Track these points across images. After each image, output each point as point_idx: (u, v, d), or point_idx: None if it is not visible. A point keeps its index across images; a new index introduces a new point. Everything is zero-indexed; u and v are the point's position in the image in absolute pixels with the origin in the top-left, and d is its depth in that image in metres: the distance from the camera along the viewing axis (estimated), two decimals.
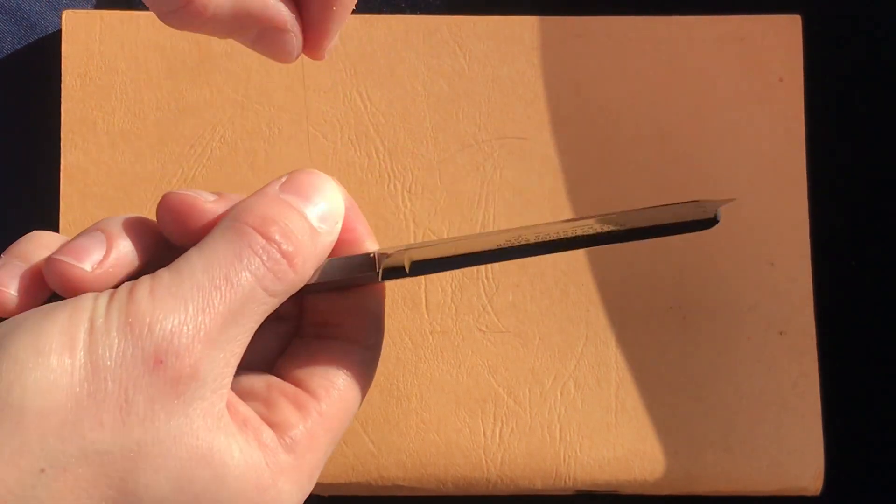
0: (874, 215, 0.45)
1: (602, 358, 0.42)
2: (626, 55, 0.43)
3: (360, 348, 0.31)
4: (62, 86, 0.42)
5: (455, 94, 0.43)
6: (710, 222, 0.29)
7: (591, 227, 0.29)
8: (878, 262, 0.45)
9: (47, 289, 0.29)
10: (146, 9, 0.45)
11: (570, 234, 0.29)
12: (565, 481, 0.41)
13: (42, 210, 0.43)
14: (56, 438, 0.25)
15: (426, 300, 0.42)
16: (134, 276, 0.29)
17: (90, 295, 0.27)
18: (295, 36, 0.29)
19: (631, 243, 0.42)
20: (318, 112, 0.42)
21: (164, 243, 0.30)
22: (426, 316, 0.42)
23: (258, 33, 0.29)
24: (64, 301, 0.27)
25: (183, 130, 0.42)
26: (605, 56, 0.43)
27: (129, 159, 0.42)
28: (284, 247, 0.28)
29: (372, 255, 0.31)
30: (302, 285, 0.29)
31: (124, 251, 0.29)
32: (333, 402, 0.30)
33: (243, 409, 0.28)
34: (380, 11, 0.45)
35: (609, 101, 0.43)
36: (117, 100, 0.42)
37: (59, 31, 0.43)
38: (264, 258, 0.27)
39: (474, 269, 0.42)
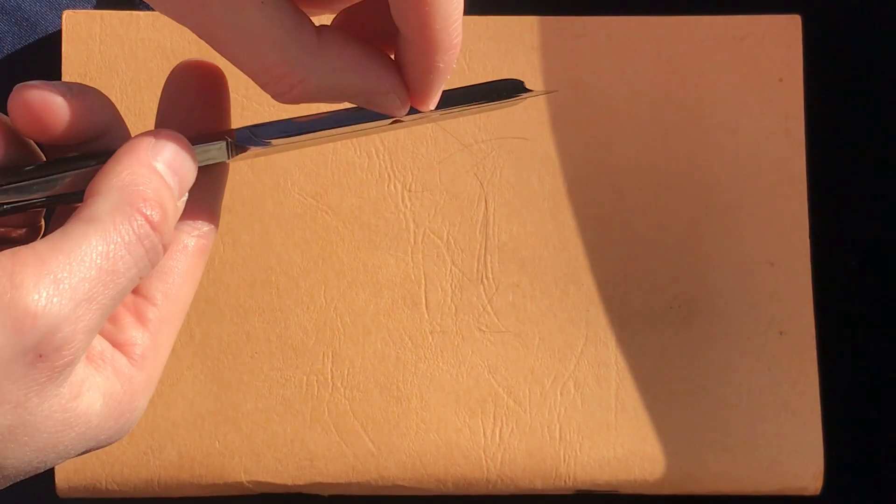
0: (874, 215, 0.45)
1: (602, 358, 0.42)
2: (626, 55, 0.43)
3: (194, 237, 0.31)
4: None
5: None
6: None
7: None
8: (878, 262, 0.45)
9: None
10: (146, 9, 0.45)
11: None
12: (565, 481, 0.41)
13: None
14: None
15: (426, 300, 0.42)
16: None
17: None
18: (398, 95, 0.30)
19: (631, 243, 0.42)
20: (317, 112, 0.42)
21: (6, 131, 0.30)
22: (426, 316, 0.42)
23: (364, 100, 0.30)
24: None
25: None
26: (605, 56, 0.43)
27: None
28: (166, 238, 0.28)
29: (225, 140, 0.30)
30: None
31: None
32: (171, 303, 0.30)
33: (98, 343, 0.28)
34: None
35: (609, 101, 0.43)
36: (117, 100, 0.42)
37: (59, 31, 0.43)
38: (148, 247, 0.27)
39: (474, 269, 0.42)
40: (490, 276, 0.42)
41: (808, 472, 0.41)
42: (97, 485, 0.41)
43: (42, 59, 0.45)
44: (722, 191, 0.42)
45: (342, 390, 0.41)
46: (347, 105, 0.31)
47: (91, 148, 0.30)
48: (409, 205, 0.42)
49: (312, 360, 0.41)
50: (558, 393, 0.41)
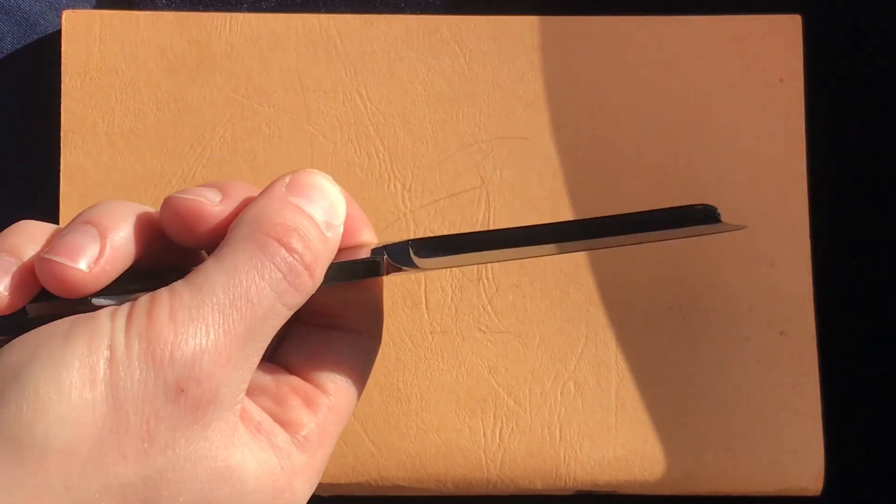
0: (874, 215, 0.45)
1: (602, 358, 0.42)
2: (626, 55, 0.43)
3: (364, 339, 0.31)
4: (62, 86, 0.42)
5: (455, 94, 0.43)
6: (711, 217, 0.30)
7: (609, 241, 0.30)
8: (878, 262, 0.45)
9: (38, 284, 0.28)
10: (146, 9, 0.45)
11: (575, 246, 0.30)
12: (565, 481, 0.41)
13: (42, 210, 0.43)
14: (80, 476, 0.24)
15: (426, 300, 0.42)
16: (131, 270, 0.29)
17: (106, 313, 0.26)
18: None
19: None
20: (318, 112, 0.42)
21: (161, 233, 0.30)
22: (426, 316, 0.42)
23: None
24: (79, 321, 0.26)
25: (183, 130, 0.42)
26: (606, 56, 0.43)
27: (129, 159, 0.42)
28: (306, 258, 0.27)
29: (377, 259, 0.30)
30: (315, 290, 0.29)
31: (119, 245, 0.28)
32: (341, 395, 0.30)
33: (256, 413, 0.28)
34: (380, 11, 0.45)
35: (609, 101, 0.43)
36: (117, 100, 0.42)
37: (59, 31, 0.43)
38: (285, 271, 0.27)
39: (474, 269, 0.42)
40: (490, 276, 0.42)
41: (808, 473, 0.41)
42: None
43: (42, 58, 0.45)
44: (722, 191, 0.42)
45: None
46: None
47: None
48: (409, 205, 0.42)
49: None
50: (558, 393, 0.41)
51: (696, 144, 0.43)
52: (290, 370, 0.30)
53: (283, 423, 0.28)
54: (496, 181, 0.42)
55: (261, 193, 0.29)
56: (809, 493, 0.41)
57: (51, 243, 0.28)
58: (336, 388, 0.30)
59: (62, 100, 0.42)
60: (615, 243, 0.31)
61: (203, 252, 0.31)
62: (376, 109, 0.42)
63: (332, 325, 0.31)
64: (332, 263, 0.30)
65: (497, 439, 0.41)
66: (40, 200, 0.43)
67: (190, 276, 0.26)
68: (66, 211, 0.41)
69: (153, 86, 0.42)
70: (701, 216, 0.30)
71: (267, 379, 0.30)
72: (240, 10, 0.44)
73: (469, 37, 0.43)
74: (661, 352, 0.42)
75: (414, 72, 0.43)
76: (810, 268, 0.42)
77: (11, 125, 0.45)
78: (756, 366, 0.42)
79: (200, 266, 0.27)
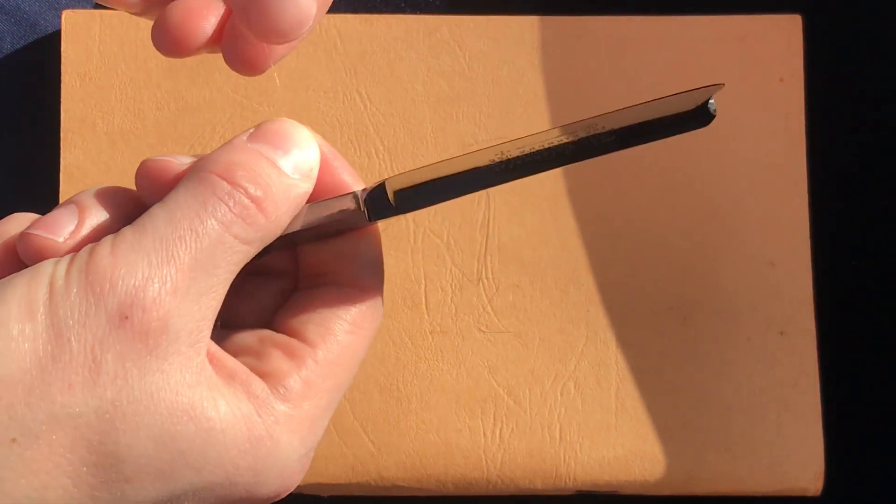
0: (874, 215, 0.45)
1: (602, 358, 0.42)
2: (626, 55, 0.43)
3: (358, 291, 0.30)
4: (62, 86, 0.42)
5: (455, 94, 0.43)
6: (703, 114, 0.28)
7: (578, 132, 0.28)
8: (878, 262, 0.45)
9: (22, 264, 0.28)
10: None
11: (560, 142, 0.28)
12: (565, 481, 0.41)
13: (42, 210, 0.43)
14: (24, 406, 0.24)
15: (426, 300, 0.42)
16: None
17: (51, 260, 0.26)
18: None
19: (631, 243, 0.42)
20: (318, 112, 0.42)
21: (143, 210, 0.30)
22: (426, 316, 0.42)
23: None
24: (25, 269, 0.26)
25: (183, 130, 0.42)
26: (605, 56, 0.43)
27: (129, 159, 0.42)
28: (252, 191, 0.27)
29: (353, 193, 0.29)
30: (279, 232, 0.28)
31: (98, 220, 0.28)
32: (331, 348, 0.29)
33: (230, 362, 0.27)
34: (380, 11, 0.45)
35: (609, 101, 0.43)
36: (117, 100, 0.42)
37: (59, 31, 0.43)
38: (230, 204, 0.26)
39: (474, 269, 0.42)
40: (490, 276, 0.42)
41: (809, 473, 0.41)
42: None
43: (42, 58, 0.45)
44: (722, 191, 0.42)
45: None
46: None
47: None
48: None
49: None
50: (558, 393, 0.41)
51: (696, 144, 0.43)
52: (280, 331, 0.30)
53: (262, 374, 0.28)
54: None
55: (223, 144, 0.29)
56: (809, 493, 0.41)
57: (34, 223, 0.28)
58: (324, 340, 0.29)
59: (62, 100, 0.42)
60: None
61: None
62: (376, 109, 0.42)
63: (329, 283, 0.30)
64: (304, 206, 0.29)
65: (497, 439, 0.41)
66: (40, 200, 0.43)
67: (136, 220, 0.26)
68: None
69: (153, 86, 0.42)
70: (693, 118, 0.29)
71: (251, 339, 0.29)
72: None
73: (469, 37, 0.43)
74: (661, 352, 0.42)
75: (414, 72, 0.43)
76: (810, 268, 0.42)
77: (11, 125, 0.45)
78: (756, 366, 0.42)
79: (147, 211, 0.27)
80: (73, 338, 0.24)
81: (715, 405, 0.41)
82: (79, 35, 0.42)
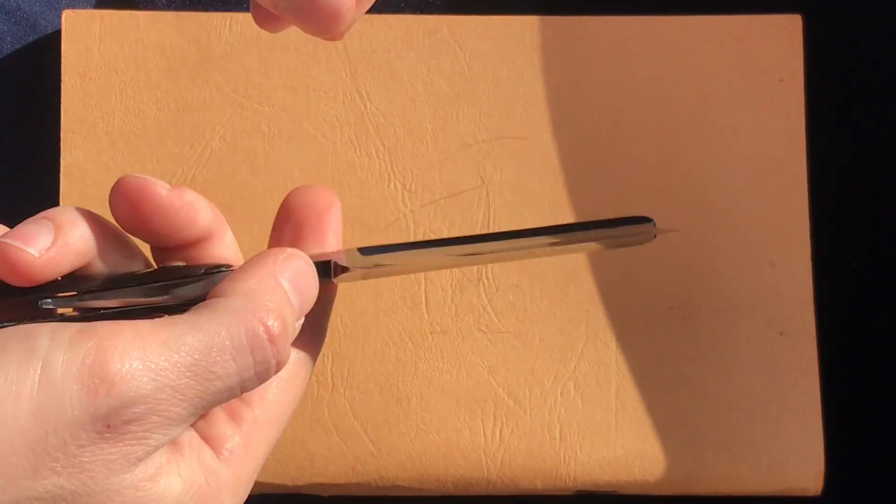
0: (874, 215, 0.45)
1: (602, 358, 0.42)
2: (626, 55, 0.43)
3: (296, 349, 0.31)
4: (62, 86, 0.42)
5: (455, 94, 0.43)
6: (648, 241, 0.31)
7: (543, 249, 0.31)
8: (878, 262, 0.45)
9: None
10: (146, 9, 0.45)
11: (521, 254, 0.31)
12: (565, 481, 0.41)
13: (42, 210, 0.43)
14: None
15: (426, 300, 0.42)
16: (80, 268, 0.29)
17: (46, 330, 0.25)
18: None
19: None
20: (318, 112, 0.42)
21: (114, 236, 0.30)
22: (426, 316, 0.42)
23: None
24: (18, 332, 0.25)
25: (183, 130, 0.42)
26: (605, 56, 0.43)
27: (129, 159, 0.42)
28: (282, 355, 0.27)
29: (330, 261, 0.31)
30: None
31: (73, 240, 0.28)
32: (267, 407, 0.30)
33: (185, 433, 0.28)
34: (380, 11, 0.45)
35: (609, 101, 0.43)
36: (117, 100, 0.42)
37: (59, 31, 0.43)
38: (259, 359, 0.27)
39: (474, 269, 0.42)
40: (490, 276, 0.42)
41: (809, 473, 0.41)
42: None
43: (42, 58, 0.45)
44: (722, 191, 0.42)
45: (342, 391, 0.41)
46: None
47: (196, 256, 0.30)
48: (409, 205, 0.42)
49: None
50: (558, 393, 0.41)
51: (696, 144, 0.43)
52: None
53: (208, 439, 0.28)
54: (496, 181, 0.42)
55: (253, 262, 0.29)
56: (809, 493, 0.41)
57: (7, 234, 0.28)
58: (261, 399, 0.29)
59: (62, 100, 0.42)
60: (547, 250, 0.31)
61: (152, 260, 0.31)
62: (376, 109, 0.42)
63: None
64: None
65: (497, 439, 0.41)
66: (40, 200, 0.43)
67: (161, 323, 0.26)
68: None
69: (153, 86, 0.42)
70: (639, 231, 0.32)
71: None
72: (240, 10, 0.44)
73: (469, 37, 0.43)
74: (661, 352, 0.42)
75: (414, 72, 0.43)
76: (810, 268, 0.42)
77: (11, 125, 0.45)
78: (756, 366, 0.42)
79: (177, 317, 0.26)
80: (51, 430, 0.24)
81: (715, 405, 0.41)
82: (79, 35, 0.42)
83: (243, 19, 0.43)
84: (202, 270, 0.29)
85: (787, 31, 0.43)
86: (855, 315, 0.45)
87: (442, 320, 0.42)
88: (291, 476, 0.41)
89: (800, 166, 0.43)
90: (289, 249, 0.30)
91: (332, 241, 0.32)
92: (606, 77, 0.43)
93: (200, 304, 0.27)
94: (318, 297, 0.31)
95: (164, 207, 0.29)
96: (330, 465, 0.41)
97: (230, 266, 0.30)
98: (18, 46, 0.45)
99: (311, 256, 0.30)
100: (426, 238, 0.42)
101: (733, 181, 0.42)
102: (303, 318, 0.30)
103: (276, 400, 0.30)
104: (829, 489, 0.41)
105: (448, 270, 0.42)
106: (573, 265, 0.42)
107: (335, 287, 0.32)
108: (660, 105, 0.43)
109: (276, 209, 0.42)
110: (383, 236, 0.42)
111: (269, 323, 0.27)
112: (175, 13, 0.43)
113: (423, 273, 0.42)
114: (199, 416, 0.27)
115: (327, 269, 0.31)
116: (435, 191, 0.42)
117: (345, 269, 0.31)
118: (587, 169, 0.42)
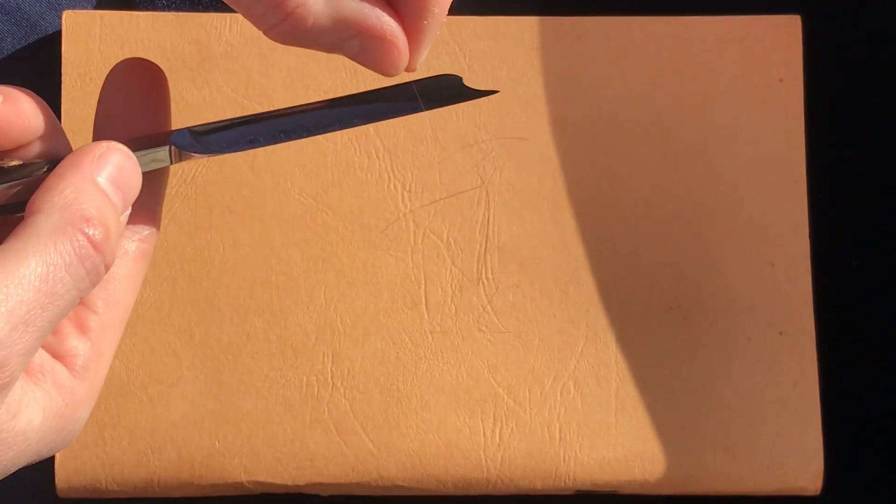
0: (874, 215, 0.45)
1: (602, 358, 0.42)
2: (626, 55, 0.43)
3: (135, 241, 0.30)
4: (62, 86, 0.42)
5: None
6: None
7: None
8: (878, 262, 0.45)
9: None
10: (146, 9, 0.45)
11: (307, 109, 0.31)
12: (565, 481, 0.41)
13: None
14: None
15: (426, 300, 0.42)
16: None
17: None
18: (399, 46, 0.29)
19: (631, 243, 0.42)
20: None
21: None
22: (426, 316, 0.42)
23: (360, 44, 0.28)
24: None
25: None
26: (605, 56, 0.43)
27: None
28: (109, 257, 0.27)
29: (168, 146, 0.30)
30: None
31: None
32: (112, 310, 0.29)
33: (37, 356, 0.28)
34: None
35: (609, 101, 0.43)
36: None
37: (59, 32, 0.43)
38: (89, 267, 0.27)
39: (474, 269, 0.42)
40: (490, 276, 0.42)
41: (808, 472, 0.41)
42: (97, 485, 0.41)
43: (42, 59, 0.45)
44: (722, 191, 0.42)
45: (342, 390, 0.41)
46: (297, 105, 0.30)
47: (26, 154, 0.29)
48: (409, 205, 0.42)
49: (312, 361, 0.41)
50: (558, 393, 0.41)
51: (696, 144, 0.43)
52: None
53: (60, 357, 0.28)
54: (496, 181, 0.42)
55: (68, 164, 0.28)
56: (809, 493, 0.41)
57: None
58: (106, 304, 0.29)
59: (62, 100, 0.42)
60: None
61: None
62: None
63: None
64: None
65: (497, 439, 0.41)
66: None
67: None
68: None
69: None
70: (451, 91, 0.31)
71: None
72: None
73: (469, 37, 0.43)
74: (661, 352, 0.42)
75: (414, 72, 0.43)
76: (810, 268, 0.42)
77: None
78: (756, 366, 0.42)
79: (5, 249, 0.26)
80: None
81: (715, 405, 0.41)
82: (79, 35, 0.42)
83: (243, 20, 0.43)
84: (22, 172, 0.29)
85: (786, 31, 0.43)
86: (854, 315, 0.45)
87: (442, 320, 0.42)
88: (291, 476, 0.41)
89: (799, 166, 0.43)
90: (104, 144, 0.29)
91: (163, 120, 0.31)
92: (606, 77, 0.43)
93: (21, 224, 0.27)
94: (148, 182, 0.30)
95: None
96: (330, 465, 0.41)
97: (50, 161, 0.29)
98: (19, 47, 0.45)
99: (142, 140, 0.30)
100: (427, 238, 0.42)
101: (733, 181, 0.42)
102: (128, 210, 0.29)
103: (118, 301, 0.30)
104: (828, 489, 0.41)
105: (448, 271, 0.42)
106: (573, 265, 0.42)
107: (168, 170, 0.32)
108: (659, 105, 0.43)
109: (276, 209, 0.42)
110: (383, 236, 0.42)
111: (91, 232, 0.27)
112: (175, 14, 0.43)
113: (423, 273, 0.42)
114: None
115: (164, 156, 0.30)
116: (435, 191, 0.42)
117: (186, 156, 0.30)
118: (587, 169, 0.42)
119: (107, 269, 0.28)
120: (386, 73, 0.29)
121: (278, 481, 0.41)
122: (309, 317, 0.41)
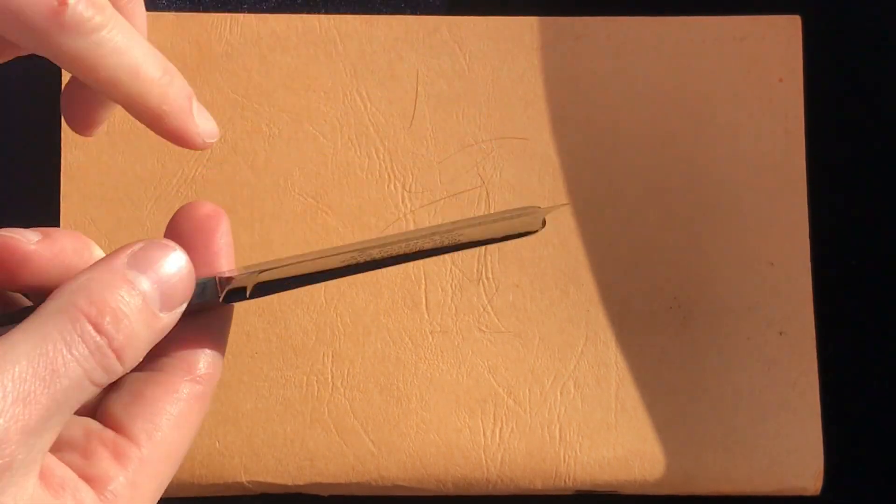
0: (874, 215, 0.45)
1: (602, 358, 0.42)
2: (626, 56, 0.43)
3: (189, 382, 0.29)
4: (62, 86, 0.42)
5: (455, 94, 0.43)
6: (536, 230, 0.29)
7: (430, 240, 0.29)
8: (878, 262, 0.45)
9: None
10: (147, 9, 0.44)
11: (411, 250, 0.29)
12: (565, 481, 0.41)
13: (42, 210, 0.43)
14: None
15: (426, 300, 0.42)
16: None
17: None
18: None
19: (631, 243, 0.42)
20: (318, 112, 0.42)
21: None
22: (426, 316, 0.42)
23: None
24: None
25: None
26: (605, 56, 0.43)
27: (129, 159, 0.42)
28: (116, 342, 0.26)
29: (214, 278, 0.29)
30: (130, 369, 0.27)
31: None
32: (156, 446, 0.28)
33: (59, 469, 0.26)
34: (380, 11, 0.45)
35: (609, 102, 0.43)
36: None
37: None
38: (93, 349, 0.26)
39: (474, 270, 0.42)
40: (490, 276, 0.42)
41: (808, 472, 0.41)
42: None
43: (42, 59, 0.45)
44: (722, 191, 0.42)
45: (342, 390, 0.41)
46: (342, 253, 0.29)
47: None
48: (409, 205, 0.42)
49: (312, 360, 0.41)
50: (558, 393, 0.41)
51: (696, 144, 0.43)
52: (106, 422, 0.28)
53: (89, 479, 0.27)
54: (496, 181, 0.42)
55: (101, 259, 0.27)
56: (809, 493, 0.41)
57: None
58: (149, 438, 0.28)
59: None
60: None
61: (24, 297, 0.30)
62: (376, 109, 0.42)
63: (161, 368, 0.29)
64: None
65: (497, 439, 0.41)
66: (40, 200, 0.43)
67: None
68: (67, 211, 0.41)
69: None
70: (528, 233, 0.30)
71: (77, 433, 0.28)
72: (240, 11, 0.44)
73: (469, 37, 0.43)
74: (661, 352, 0.42)
75: (414, 72, 0.43)
76: (810, 268, 0.42)
77: (11, 125, 0.45)
78: (756, 366, 0.42)
79: (6, 334, 0.25)
80: None
81: (714, 405, 0.41)
82: None
83: (243, 20, 0.43)
84: None
85: (786, 31, 0.43)
86: (854, 314, 0.45)
87: (442, 320, 0.42)
88: (291, 476, 0.41)
89: (799, 166, 0.43)
90: (150, 239, 0.28)
91: (224, 264, 0.30)
92: (606, 77, 0.43)
93: (32, 309, 0.26)
94: (210, 320, 0.29)
95: (34, 266, 0.28)
96: (330, 465, 0.41)
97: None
98: None
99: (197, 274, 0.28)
100: None
101: (733, 181, 0.42)
102: (174, 312, 0.28)
103: (165, 438, 0.28)
104: (828, 489, 0.41)
105: (448, 270, 0.42)
106: (573, 265, 0.42)
107: (230, 310, 0.30)
108: (659, 105, 0.43)
109: (277, 209, 0.42)
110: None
111: (94, 314, 0.26)
112: (175, 14, 0.43)
113: (423, 273, 0.42)
114: (61, 425, 0.26)
115: (213, 288, 0.28)
116: (435, 191, 0.42)
117: (235, 289, 0.28)
118: (587, 169, 0.42)
119: (123, 363, 0.26)
120: (190, 143, 0.30)
121: (278, 481, 0.41)
122: (309, 317, 0.41)
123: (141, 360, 0.27)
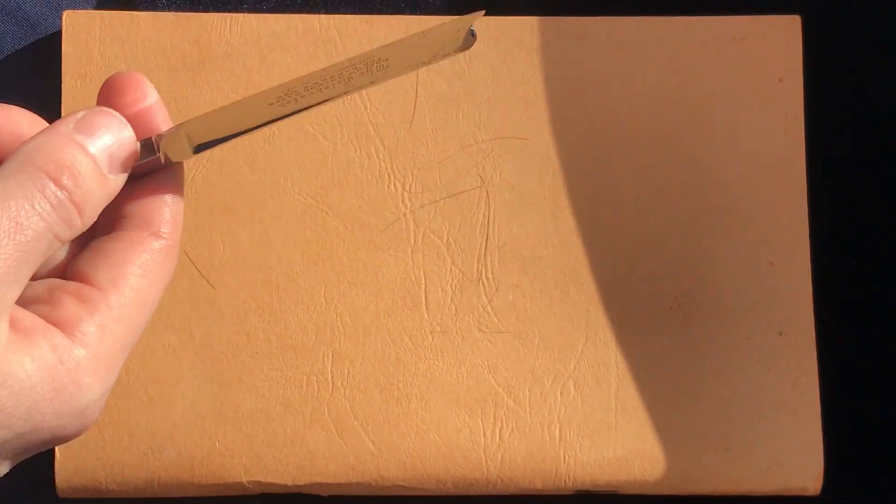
0: (874, 215, 0.45)
1: (602, 358, 0.42)
2: (627, 56, 0.43)
3: (151, 236, 0.30)
4: (62, 86, 0.42)
5: (455, 94, 0.43)
6: (468, 46, 0.30)
7: (358, 71, 0.30)
8: (878, 261, 0.45)
9: None
10: (146, 9, 0.45)
11: (340, 88, 0.30)
12: (565, 481, 0.41)
13: None
14: None
15: (426, 300, 0.42)
16: None
17: None
18: None
19: (631, 243, 0.42)
20: (318, 112, 0.42)
21: None
22: (426, 316, 0.42)
23: None
24: None
25: None
26: (606, 56, 0.43)
27: None
28: (76, 196, 0.28)
29: (151, 138, 0.30)
30: (89, 225, 0.29)
31: None
32: (122, 291, 0.29)
33: (27, 318, 0.28)
34: (380, 12, 0.45)
35: (609, 102, 0.43)
36: None
37: (60, 32, 0.43)
38: (54, 203, 0.27)
39: (474, 269, 0.42)
40: (490, 276, 0.42)
41: (808, 472, 0.41)
42: (97, 485, 0.41)
43: (42, 59, 0.45)
44: (722, 191, 0.42)
45: (342, 390, 0.41)
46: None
47: None
48: (409, 205, 0.42)
49: (312, 360, 0.41)
50: (558, 393, 0.41)
51: (696, 144, 0.43)
52: (70, 278, 0.30)
53: (56, 323, 0.28)
54: (496, 181, 0.42)
55: (48, 127, 0.29)
56: (809, 493, 0.41)
57: None
58: (114, 285, 0.29)
59: (62, 100, 0.42)
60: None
61: None
62: (376, 109, 0.43)
63: (123, 228, 0.31)
64: None
65: (497, 439, 0.41)
66: None
67: None
68: None
69: (154, 86, 0.42)
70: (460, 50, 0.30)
71: (41, 290, 0.29)
72: (240, 11, 0.44)
73: None
74: (661, 352, 0.42)
75: (414, 72, 0.43)
76: (810, 268, 0.42)
77: None
78: (756, 366, 0.42)
79: None
80: None
81: (714, 405, 0.41)
82: (79, 35, 0.42)
83: (243, 20, 0.43)
84: None
85: (786, 31, 0.43)
86: (855, 315, 0.45)
87: (442, 320, 0.42)
88: (291, 476, 0.41)
89: (799, 166, 0.43)
90: (88, 108, 0.29)
91: (161, 125, 0.31)
92: (606, 77, 0.43)
93: None
94: (162, 182, 0.31)
95: None
96: (330, 465, 0.41)
97: None
98: (19, 47, 0.45)
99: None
100: (427, 238, 0.42)
101: (733, 181, 0.42)
102: (123, 175, 0.29)
103: (131, 284, 0.29)
104: (828, 489, 0.41)
105: (448, 271, 0.42)
106: (573, 265, 0.42)
107: (180, 169, 0.32)
108: (659, 105, 0.43)
109: (276, 209, 0.42)
110: (383, 236, 0.42)
111: (53, 171, 0.27)
112: (175, 14, 0.43)
113: (423, 273, 0.42)
114: (27, 278, 0.27)
115: (152, 146, 0.30)
116: (435, 191, 0.42)
117: (174, 146, 0.30)
118: (587, 169, 0.42)
119: (83, 218, 0.28)
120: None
121: (278, 481, 0.41)
122: (309, 317, 0.41)
123: (95, 219, 0.29)
